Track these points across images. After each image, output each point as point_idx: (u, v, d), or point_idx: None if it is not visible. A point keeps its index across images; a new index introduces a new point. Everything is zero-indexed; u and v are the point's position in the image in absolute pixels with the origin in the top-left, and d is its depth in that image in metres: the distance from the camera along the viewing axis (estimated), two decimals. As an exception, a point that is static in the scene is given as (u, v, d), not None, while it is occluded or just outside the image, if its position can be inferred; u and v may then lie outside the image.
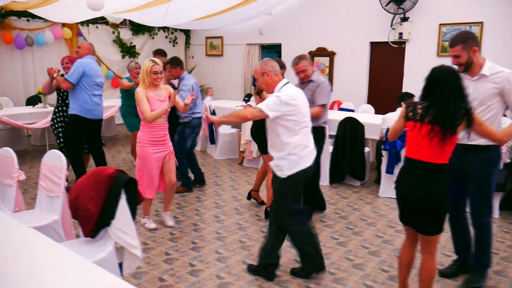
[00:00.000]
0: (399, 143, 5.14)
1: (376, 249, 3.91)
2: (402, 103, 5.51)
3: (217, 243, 4.00)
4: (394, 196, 5.16)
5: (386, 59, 8.75)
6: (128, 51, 10.57)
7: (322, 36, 9.41)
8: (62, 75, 5.27)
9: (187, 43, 11.99)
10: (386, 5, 8.00)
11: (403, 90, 8.56)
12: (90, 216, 2.78)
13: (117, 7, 7.51)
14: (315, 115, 4.09)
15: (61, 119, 5.53)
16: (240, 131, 6.88)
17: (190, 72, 10.94)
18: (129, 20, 10.29)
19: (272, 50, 13.64)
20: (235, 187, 5.74)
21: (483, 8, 7.41)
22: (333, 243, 4.04)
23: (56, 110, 5.57)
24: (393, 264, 3.58)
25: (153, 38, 11.09)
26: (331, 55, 9.34)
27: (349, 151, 5.65)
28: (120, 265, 2.85)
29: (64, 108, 5.51)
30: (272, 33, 10.27)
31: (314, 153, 3.29)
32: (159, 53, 6.65)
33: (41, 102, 7.68)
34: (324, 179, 5.70)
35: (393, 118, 5.32)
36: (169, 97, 4.08)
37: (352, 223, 4.54)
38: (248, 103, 8.29)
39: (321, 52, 9.47)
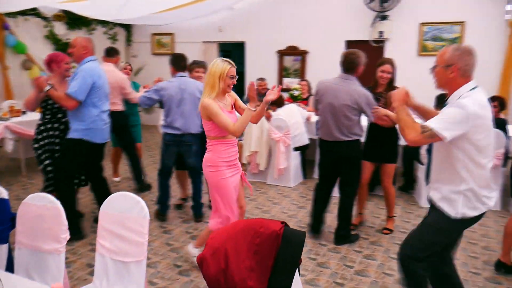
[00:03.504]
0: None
1: None
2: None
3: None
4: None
5: (364, 59, 8.47)
6: (64, 48, 8.84)
7: (293, 34, 8.83)
8: (52, 87, 3.72)
9: (128, 40, 10.54)
10: (369, 3, 7.71)
11: (382, 90, 8.41)
12: (255, 298, 1.83)
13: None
14: None
15: (50, 140, 3.98)
16: (242, 140, 5.97)
17: (136, 74, 9.60)
18: (65, 12, 8.62)
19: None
20: (284, 208, 4.88)
21: (465, 7, 7.49)
22: (469, 275, 3.45)
23: (43, 128, 3.98)
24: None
25: (91, 33, 9.48)
26: (303, 54, 8.82)
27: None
28: None
29: (56, 125, 3.99)
30: (234, 30, 9.41)
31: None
32: (112, 52, 5.36)
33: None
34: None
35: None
36: (234, 104, 3.22)
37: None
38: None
39: (292, 51, 8.90)
